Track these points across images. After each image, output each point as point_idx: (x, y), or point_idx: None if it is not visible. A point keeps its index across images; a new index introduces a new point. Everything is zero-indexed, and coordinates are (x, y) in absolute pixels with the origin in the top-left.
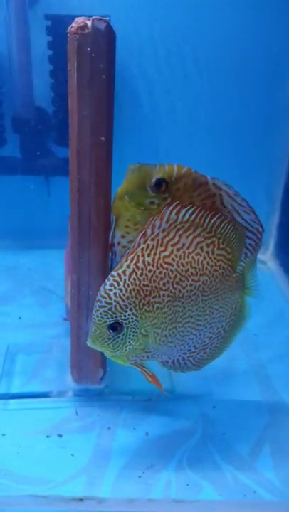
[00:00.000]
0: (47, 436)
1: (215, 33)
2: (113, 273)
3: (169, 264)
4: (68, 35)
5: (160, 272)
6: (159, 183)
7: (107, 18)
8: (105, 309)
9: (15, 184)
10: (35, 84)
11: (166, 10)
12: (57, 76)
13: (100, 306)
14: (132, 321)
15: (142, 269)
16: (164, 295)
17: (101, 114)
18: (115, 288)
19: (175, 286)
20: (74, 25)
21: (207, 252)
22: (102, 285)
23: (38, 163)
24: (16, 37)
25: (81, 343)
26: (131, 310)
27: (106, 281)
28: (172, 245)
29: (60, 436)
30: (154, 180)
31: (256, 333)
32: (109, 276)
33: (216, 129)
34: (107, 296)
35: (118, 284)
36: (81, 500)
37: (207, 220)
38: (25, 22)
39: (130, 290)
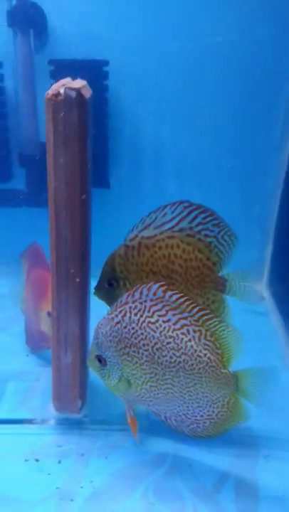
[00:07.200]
0: (25, 460)
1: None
2: (106, 315)
3: (153, 330)
4: (45, 100)
5: (142, 333)
6: (110, 284)
7: (81, 85)
8: (94, 342)
9: (20, 216)
10: (40, 122)
11: (168, 50)
12: None
13: (93, 338)
14: (113, 362)
15: (127, 324)
16: (142, 353)
17: (74, 172)
18: (103, 328)
19: (154, 351)
20: (49, 92)
21: (194, 337)
22: (99, 321)
23: (43, 196)
24: (23, 80)
25: (61, 374)
26: (112, 352)
27: (102, 319)
28: (159, 316)
29: (38, 460)
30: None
31: None
32: (104, 316)
33: (209, 162)
34: (97, 331)
35: (105, 326)
36: None
37: (195, 311)
38: (31, 66)
39: (113, 336)
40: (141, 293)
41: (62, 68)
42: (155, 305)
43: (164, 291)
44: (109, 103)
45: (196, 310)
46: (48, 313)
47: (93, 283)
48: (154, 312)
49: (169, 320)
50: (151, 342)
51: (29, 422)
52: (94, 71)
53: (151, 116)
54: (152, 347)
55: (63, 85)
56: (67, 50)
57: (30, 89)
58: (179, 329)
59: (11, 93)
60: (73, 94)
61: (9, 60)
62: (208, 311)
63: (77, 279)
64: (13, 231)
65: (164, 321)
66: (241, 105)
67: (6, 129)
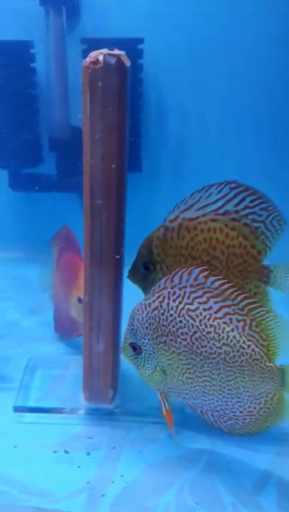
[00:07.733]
0: (54, 452)
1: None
2: (143, 301)
3: (192, 318)
4: (82, 69)
5: (180, 321)
6: (146, 268)
7: (120, 52)
8: (129, 328)
9: (50, 200)
10: (71, 104)
11: (200, 28)
12: None
13: (128, 324)
14: (149, 351)
15: (165, 311)
16: (180, 343)
17: (111, 144)
18: (139, 314)
19: (193, 340)
20: (87, 59)
21: (237, 327)
22: (135, 306)
23: (73, 181)
24: (54, 60)
25: (92, 363)
26: (148, 340)
27: (138, 304)
28: (200, 303)
29: (67, 452)
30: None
31: None
32: (140, 302)
33: (248, 143)
34: (132, 317)
35: (142, 312)
36: None
37: (239, 299)
38: (63, 46)
39: (149, 323)
40: (181, 278)
41: (95, 47)
42: (196, 291)
43: (206, 277)
44: (143, 83)
45: (240, 298)
46: (79, 299)
47: (125, 270)
48: (194, 299)
49: (210, 308)
50: (190, 331)
51: (58, 411)
52: (128, 50)
53: (186, 98)
54: (191, 336)
55: (102, 53)
56: (100, 29)
57: (63, 69)
58: (220, 318)
59: (42, 74)
60: (113, 61)
61: (41, 40)
62: (254, 300)
63: (117, 256)
64: (43, 216)
65: (204, 309)
66: (283, 81)
67: (36, 111)
